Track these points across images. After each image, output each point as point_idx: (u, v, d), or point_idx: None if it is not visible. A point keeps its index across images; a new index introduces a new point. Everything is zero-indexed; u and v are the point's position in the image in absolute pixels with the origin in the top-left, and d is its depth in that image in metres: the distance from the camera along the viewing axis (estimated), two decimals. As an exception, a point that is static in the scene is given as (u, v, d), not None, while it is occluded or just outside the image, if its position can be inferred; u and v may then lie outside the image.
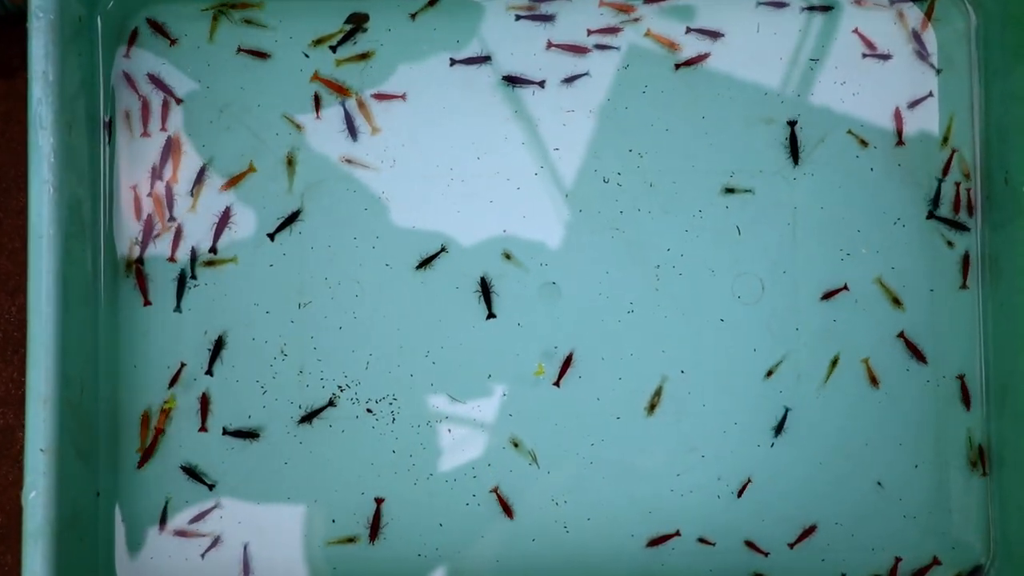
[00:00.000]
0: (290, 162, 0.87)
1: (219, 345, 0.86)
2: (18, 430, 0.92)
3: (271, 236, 0.87)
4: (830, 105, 0.88)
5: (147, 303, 0.86)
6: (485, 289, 0.87)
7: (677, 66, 0.88)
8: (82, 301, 0.83)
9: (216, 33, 0.88)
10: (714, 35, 0.88)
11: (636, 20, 0.89)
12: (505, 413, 0.87)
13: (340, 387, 0.87)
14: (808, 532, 0.86)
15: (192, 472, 0.86)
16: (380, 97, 0.88)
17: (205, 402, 0.86)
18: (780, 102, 0.88)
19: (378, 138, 0.88)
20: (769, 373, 0.87)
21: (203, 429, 0.86)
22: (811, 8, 0.89)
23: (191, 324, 0.87)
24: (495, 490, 0.86)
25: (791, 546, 0.86)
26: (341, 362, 0.87)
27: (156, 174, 0.87)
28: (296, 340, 0.87)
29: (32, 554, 0.76)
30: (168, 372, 0.86)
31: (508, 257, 0.87)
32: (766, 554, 0.86)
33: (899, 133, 0.88)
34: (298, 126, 0.87)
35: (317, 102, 0.88)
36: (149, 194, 0.87)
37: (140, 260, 0.87)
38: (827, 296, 0.87)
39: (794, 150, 0.87)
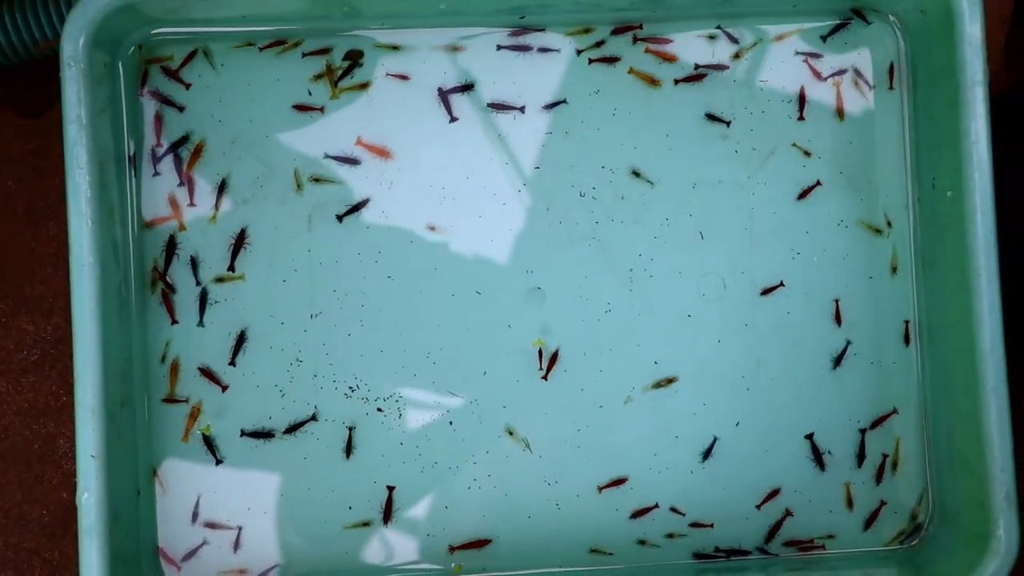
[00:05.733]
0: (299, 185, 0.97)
1: (241, 339, 0.96)
2: (59, 438, 1.01)
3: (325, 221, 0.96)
4: (778, 122, 0.99)
5: (174, 322, 0.96)
6: (463, 89, 0.97)
7: (677, 81, 0.98)
8: (117, 321, 0.91)
9: (225, 69, 0.97)
10: (719, 68, 0.99)
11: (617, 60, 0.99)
12: (499, 405, 0.97)
13: (351, 387, 0.96)
14: (772, 495, 0.97)
15: (208, 442, 0.96)
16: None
17: (204, 297, 0.96)
18: (734, 118, 0.99)
19: (376, 164, 0.97)
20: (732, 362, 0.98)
21: (200, 324, 0.96)
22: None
23: (214, 337, 0.96)
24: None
25: (758, 507, 0.97)
26: (351, 366, 0.96)
27: (175, 203, 0.96)
28: (310, 347, 0.96)
29: (88, 548, 0.86)
30: (196, 378, 0.96)
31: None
32: (710, 526, 0.97)
33: (801, 108, 0.98)
34: (317, 180, 0.97)
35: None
36: (171, 218, 0.96)
37: (164, 280, 0.95)
38: (765, 292, 0.98)
39: (818, 459, 0.98)
